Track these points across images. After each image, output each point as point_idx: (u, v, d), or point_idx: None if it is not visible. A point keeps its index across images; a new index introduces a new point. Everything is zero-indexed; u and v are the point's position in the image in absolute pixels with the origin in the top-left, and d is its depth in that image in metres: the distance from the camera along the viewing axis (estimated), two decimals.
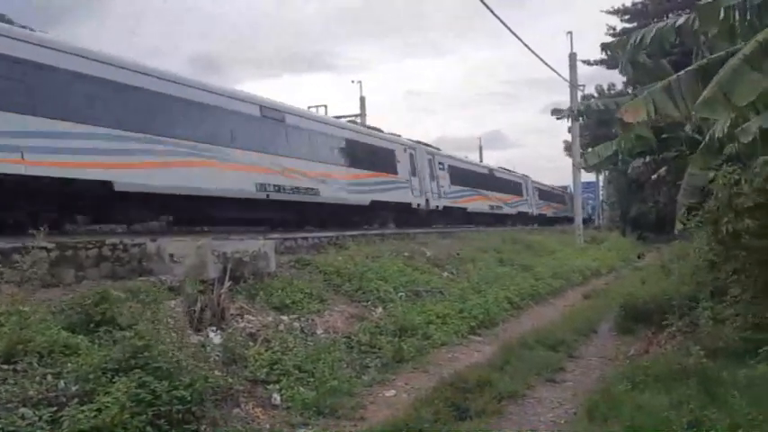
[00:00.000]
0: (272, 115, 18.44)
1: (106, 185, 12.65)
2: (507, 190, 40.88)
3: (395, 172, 25.27)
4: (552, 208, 53.99)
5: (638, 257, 30.06)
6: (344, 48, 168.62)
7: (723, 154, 10.09)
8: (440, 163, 30.24)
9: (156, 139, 13.99)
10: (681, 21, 9.48)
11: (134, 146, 13.44)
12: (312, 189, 19.31)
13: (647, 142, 12.46)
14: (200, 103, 15.56)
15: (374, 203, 23.21)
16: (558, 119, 12.01)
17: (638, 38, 9.92)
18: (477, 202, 34.77)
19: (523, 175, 46.42)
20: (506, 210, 40.07)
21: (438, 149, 31.52)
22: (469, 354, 10.64)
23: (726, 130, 8.60)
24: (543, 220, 48.88)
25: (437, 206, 28.88)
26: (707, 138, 9.05)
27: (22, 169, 11.14)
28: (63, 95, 12.20)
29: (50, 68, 12.00)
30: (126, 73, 13.68)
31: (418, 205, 26.92)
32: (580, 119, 25.70)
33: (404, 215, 25.95)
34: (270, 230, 16.27)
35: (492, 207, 37.40)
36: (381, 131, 26.54)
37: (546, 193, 52.63)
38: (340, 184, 21.22)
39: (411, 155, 27.00)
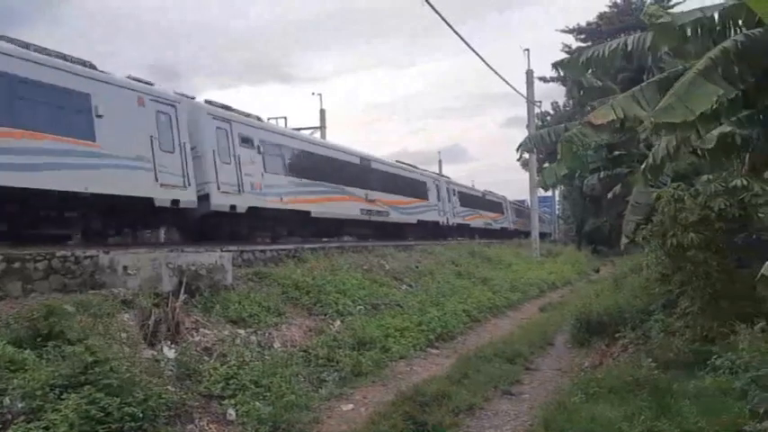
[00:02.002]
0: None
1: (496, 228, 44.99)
2: (522, 215, 58.91)
3: (501, 212, 48.66)
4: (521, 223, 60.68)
5: (596, 271, 30.61)
6: (304, 59, 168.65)
7: (665, 174, 10.46)
8: (516, 206, 52.99)
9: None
10: (630, 40, 9.72)
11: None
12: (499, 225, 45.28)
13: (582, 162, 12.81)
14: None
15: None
16: (519, 159, 12.35)
17: (586, 57, 10.13)
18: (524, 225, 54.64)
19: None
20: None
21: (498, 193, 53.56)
22: (427, 366, 10.68)
23: (670, 150, 8.92)
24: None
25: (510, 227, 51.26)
26: (650, 157, 9.39)
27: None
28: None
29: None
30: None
31: (506, 228, 49.58)
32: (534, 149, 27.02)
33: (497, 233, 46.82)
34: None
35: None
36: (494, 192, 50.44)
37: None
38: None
39: (504, 204, 49.56)
